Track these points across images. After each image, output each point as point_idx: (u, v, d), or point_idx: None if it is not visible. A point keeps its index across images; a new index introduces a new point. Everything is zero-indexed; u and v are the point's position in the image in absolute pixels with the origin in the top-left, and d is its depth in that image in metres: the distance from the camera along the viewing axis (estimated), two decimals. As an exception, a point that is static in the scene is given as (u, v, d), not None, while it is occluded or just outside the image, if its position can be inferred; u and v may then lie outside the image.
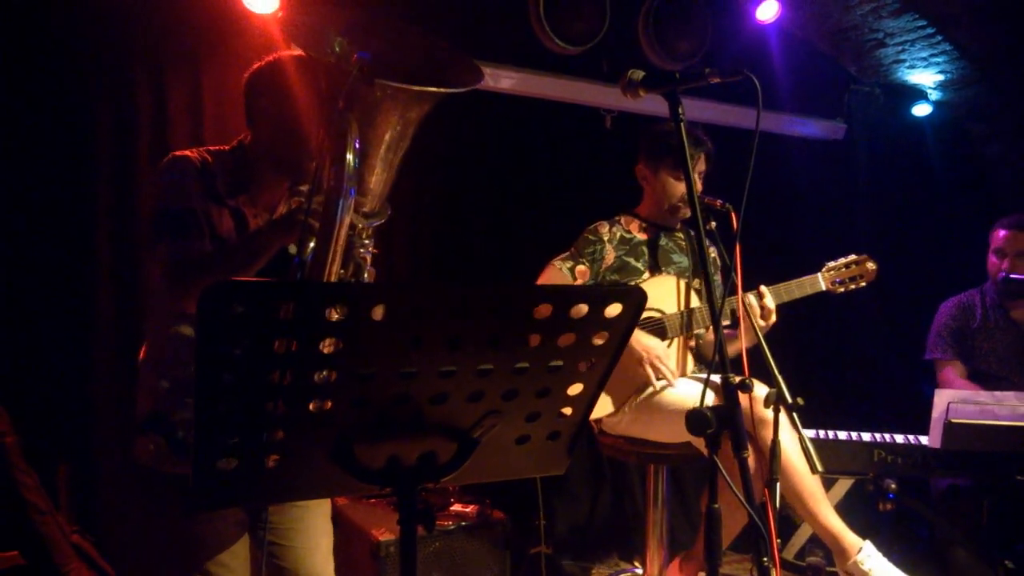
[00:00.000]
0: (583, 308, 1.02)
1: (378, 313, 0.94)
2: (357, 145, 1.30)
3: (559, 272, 2.55)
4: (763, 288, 2.45)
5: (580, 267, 2.55)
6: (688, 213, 2.61)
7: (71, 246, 2.60)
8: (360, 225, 1.42)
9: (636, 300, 1.06)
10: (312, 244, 1.39)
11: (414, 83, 1.33)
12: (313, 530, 1.76)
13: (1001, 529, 2.74)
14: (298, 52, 1.65)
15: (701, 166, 2.56)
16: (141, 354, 1.72)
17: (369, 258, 1.47)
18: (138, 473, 1.66)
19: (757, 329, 2.20)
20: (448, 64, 1.45)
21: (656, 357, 2.36)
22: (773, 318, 2.41)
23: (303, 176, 1.68)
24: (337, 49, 1.42)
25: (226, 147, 1.73)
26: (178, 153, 1.67)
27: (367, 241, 1.45)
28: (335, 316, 0.95)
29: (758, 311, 2.38)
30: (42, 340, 2.55)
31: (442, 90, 1.34)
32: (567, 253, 2.60)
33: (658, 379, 2.38)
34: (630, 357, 2.36)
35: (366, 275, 1.48)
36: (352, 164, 1.29)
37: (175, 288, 1.57)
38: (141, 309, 2.66)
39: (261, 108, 1.68)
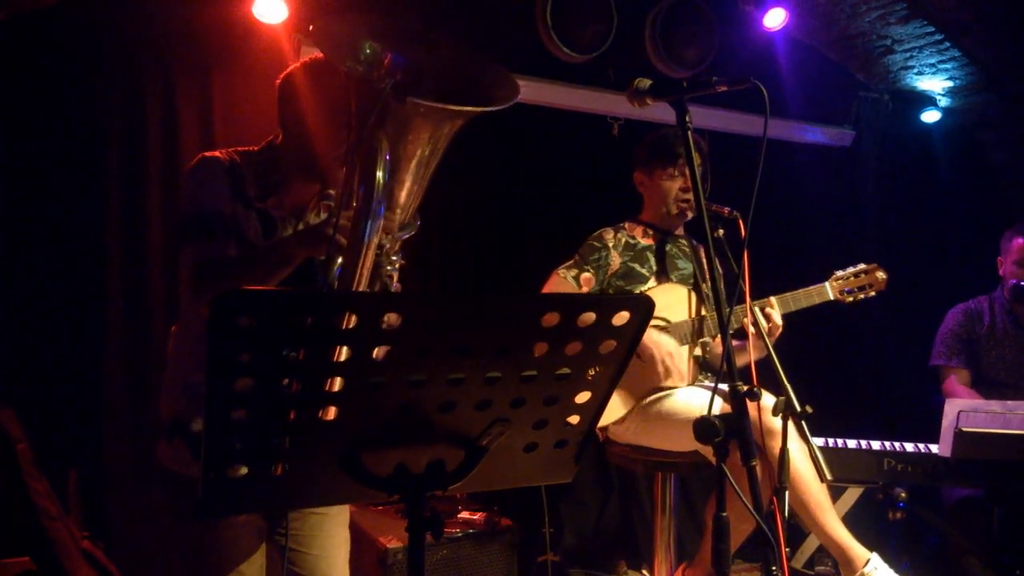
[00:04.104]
0: (590, 316, 1.02)
1: (387, 322, 0.95)
2: (387, 163, 1.28)
3: (563, 280, 2.55)
4: (773, 299, 2.44)
5: (585, 274, 2.55)
6: (691, 214, 2.61)
7: (82, 252, 2.62)
8: (388, 245, 1.39)
9: (643, 308, 1.06)
10: (339, 262, 1.38)
11: (447, 95, 1.30)
12: (331, 538, 1.75)
13: (1013, 539, 2.72)
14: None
15: (697, 159, 2.56)
16: (168, 353, 1.72)
17: (396, 275, 1.45)
18: (160, 477, 1.66)
19: (765, 341, 2.20)
20: (483, 77, 1.42)
21: (667, 354, 2.35)
22: (779, 331, 2.40)
23: (333, 181, 1.68)
24: (368, 51, 1.39)
25: (255, 147, 1.71)
26: (207, 154, 1.66)
27: (394, 257, 1.43)
28: (345, 325, 0.95)
29: (765, 326, 2.36)
30: (53, 345, 2.57)
31: (477, 109, 1.30)
32: (571, 261, 2.60)
33: (667, 378, 2.36)
34: (641, 355, 2.36)
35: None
36: (381, 183, 1.27)
37: (198, 291, 1.57)
38: (152, 314, 2.68)
39: (292, 112, 1.66)
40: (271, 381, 0.95)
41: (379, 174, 1.27)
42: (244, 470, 1.00)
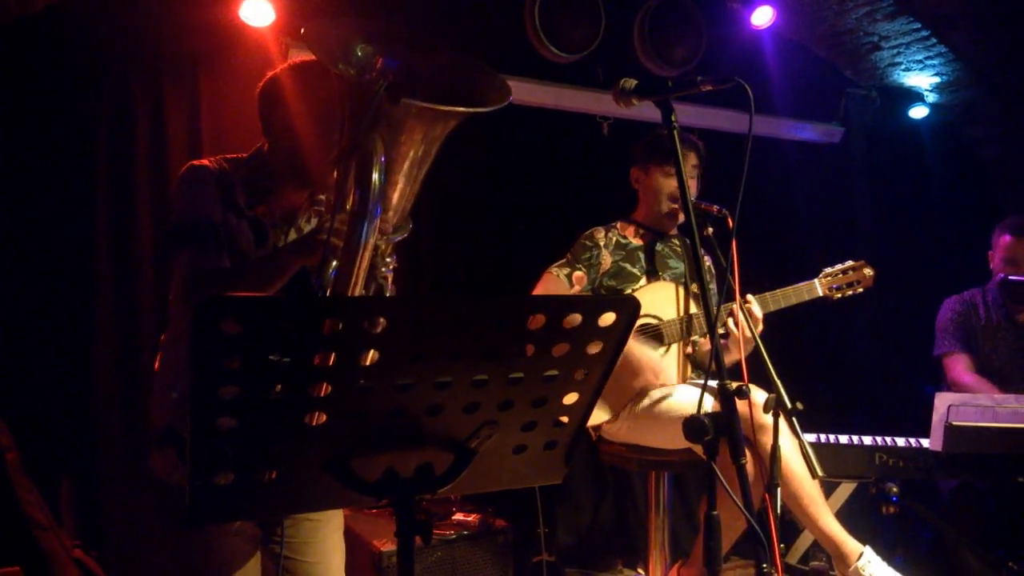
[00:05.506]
0: (576, 318, 1.03)
1: (374, 326, 0.95)
2: (383, 165, 1.27)
3: (556, 279, 2.55)
4: (749, 296, 2.45)
5: (577, 273, 2.56)
6: (683, 217, 2.61)
7: (71, 258, 2.61)
8: (382, 247, 1.39)
9: (630, 309, 1.07)
10: (333, 265, 1.37)
11: (440, 98, 1.29)
12: (326, 545, 1.75)
13: (1005, 531, 2.73)
14: (312, 57, 1.61)
15: (693, 160, 2.57)
16: (156, 366, 1.71)
17: (391, 276, 1.44)
18: (153, 486, 1.66)
19: (747, 336, 2.20)
20: (475, 80, 1.41)
21: (651, 370, 2.36)
22: (760, 326, 2.40)
23: (324, 185, 1.67)
24: (360, 53, 1.38)
25: (244, 155, 1.70)
26: (196, 162, 1.66)
27: (388, 260, 1.43)
28: (331, 330, 0.95)
29: (745, 324, 2.37)
30: (43, 353, 2.56)
31: (470, 109, 1.30)
32: (563, 260, 2.60)
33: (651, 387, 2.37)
34: (626, 366, 2.36)
35: (387, 295, 1.46)
36: (378, 185, 1.26)
37: (191, 301, 1.57)
38: (142, 321, 2.66)
39: (278, 118, 1.65)
40: (257, 387, 0.94)
41: (375, 176, 1.27)
42: (232, 477, 1.00)
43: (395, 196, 1.39)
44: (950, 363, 3.13)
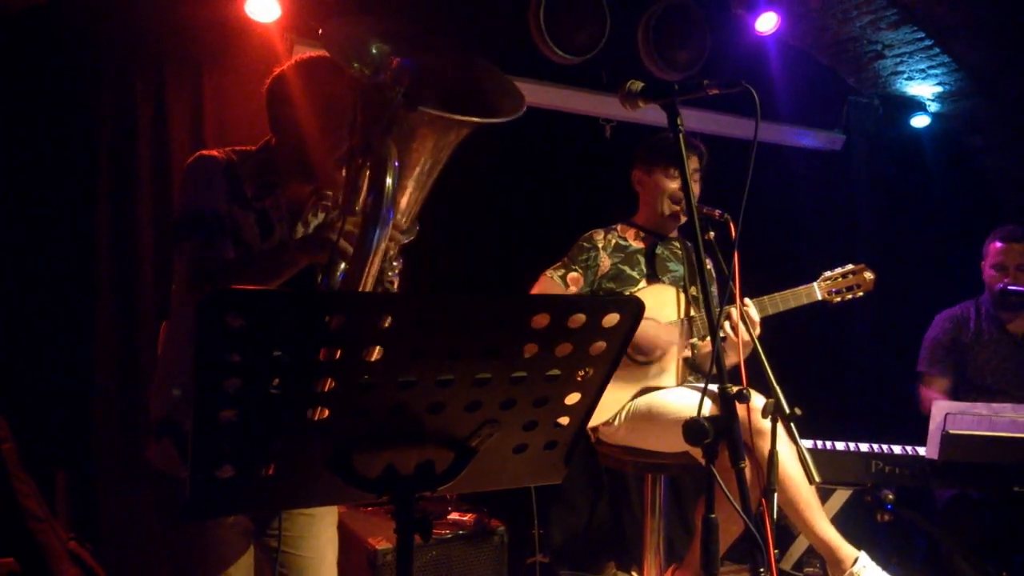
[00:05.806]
0: (581, 318, 1.03)
1: (377, 323, 0.95)
2: (396, 170, 1.27)
3: (551, 281, 2.55)
4: (746, 300, 2.45)
5: (572, 273, 2.56)
6: (685, 218, 2.62)
7: (71, 251, 2.60)
8: (391, 251, 1.38)
9: (633, 310, 1.07)
10: (342, 267, 1.37)
11: (453, 101, 1.29)
12: (320, 539, 1.75)
13: (999, 540, 2.74)
14: (321, 54, 1.62)
15: (695, 163, 2.58)
16: (158, 352, 1.71)
17: (396, 281, 1.44)
18: (151, 477, 1.65)
19: (745, 340, 2.20)
20: (488, 87, 1.41)
21: (665, 343, 2.42)
22: (757, 330, 2.39)
23: (330, 183, 1.67)
24: (375, 52, 1.38)
25: (252, 147, 1.70)
26: (204, 152, 1.66)
27: (395, 263, 1.43)
28: (335, 326, 0.95)
29: (744, 330, 2.36)
30: (41, 346, 2.55)
31: (484, 120, 1.30)
32: (559, 263, 2.60)
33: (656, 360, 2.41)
34: (639, 345, 2.41)
35: None
36: (391, 190, 1.26)
37: (195, 291, 1.56)
38: (142, 313, 2.66)
39: (284, 115, 1.65)
40: (260, 382, 0.94)
41: (389, 181, 1.27)
42: (232, 471, 1.00)
43: (404, 200, 1.39)
44: (927, 383, 3.17)
